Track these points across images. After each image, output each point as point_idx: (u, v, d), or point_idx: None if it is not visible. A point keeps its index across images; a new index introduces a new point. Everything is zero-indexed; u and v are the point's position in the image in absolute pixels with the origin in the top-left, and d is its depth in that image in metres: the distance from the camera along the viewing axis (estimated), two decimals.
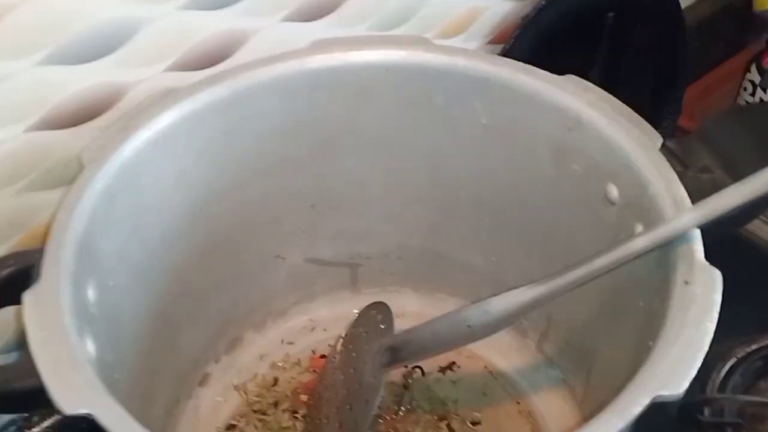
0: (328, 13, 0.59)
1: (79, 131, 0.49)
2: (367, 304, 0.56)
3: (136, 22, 0.49)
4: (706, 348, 0.33)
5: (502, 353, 0.60)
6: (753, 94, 0.91)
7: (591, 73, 0.79)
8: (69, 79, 0.47)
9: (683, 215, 0.39)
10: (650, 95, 0.86)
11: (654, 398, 0.31)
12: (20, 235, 0.50)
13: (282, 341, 0.62)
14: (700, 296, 0.35)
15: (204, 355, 0.58)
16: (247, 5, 0.54)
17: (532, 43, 0.70)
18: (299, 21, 0.57)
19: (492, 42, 0.72)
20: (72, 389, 0.31)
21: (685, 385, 0.32)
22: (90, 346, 0.35)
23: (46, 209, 0.50)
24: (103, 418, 0.30)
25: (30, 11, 0.44)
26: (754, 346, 0.68)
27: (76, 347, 0.33)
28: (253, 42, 0.55)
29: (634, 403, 0.31)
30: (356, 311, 0.57)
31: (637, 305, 0.41)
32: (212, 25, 0.53)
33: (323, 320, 0.63)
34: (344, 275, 0.63)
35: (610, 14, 0.78)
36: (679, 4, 0.82)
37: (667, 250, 0.38)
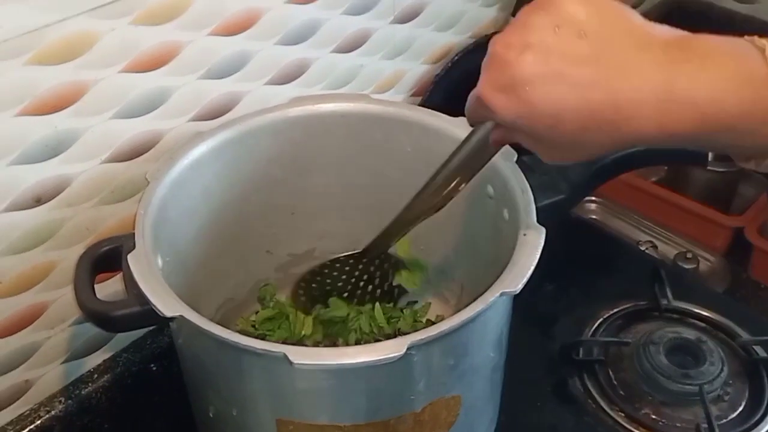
0: (296, 78, 0.81)
1: (134, 163, 0.70)
2: None
3: (168, 89, 0.70)
4: (532, 267, 0.56)
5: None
6: None
7: None
8: (127, 128, 0.68)
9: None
10: None
11: (502, 293, 0.54)
12: (93, 236, 0.70)
13: None
14: (531, 240, 0.58)
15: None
16: (240, 75, 0.76)
17: (442, 94, 0.93)
18: (277, 84, 0.80)
19: (413, 95, 0.95)
20: (167, 303, 0.53)
21: (521, 285, 0.55)
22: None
23: (109, 218, 0.71)
24: (187, 316, 0.52)
25: (103, 86, 0.65)
26: (615, 310, 0.91)
27: (164, 283, 0.55)
28: (246, 100, 0.77)
29: (491, 294, 0.54)
30: None
31: (502, 252, 0.63)
32: (218, 89, 0.75)
33: None
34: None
35: None
36: None
37: (516, 219, 0.62)
